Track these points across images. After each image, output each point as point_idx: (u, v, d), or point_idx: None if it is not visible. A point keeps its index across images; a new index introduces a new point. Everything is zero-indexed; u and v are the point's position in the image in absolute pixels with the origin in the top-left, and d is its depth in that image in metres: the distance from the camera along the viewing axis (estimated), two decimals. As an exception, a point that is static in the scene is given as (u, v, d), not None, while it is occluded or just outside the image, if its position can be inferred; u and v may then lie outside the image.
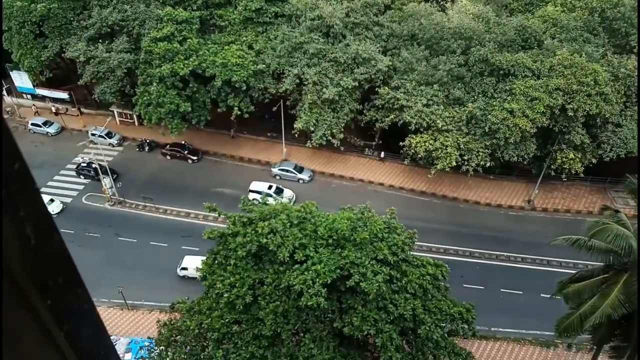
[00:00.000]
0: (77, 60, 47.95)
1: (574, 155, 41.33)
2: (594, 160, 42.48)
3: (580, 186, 47.50)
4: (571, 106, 39.82)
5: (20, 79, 54.85)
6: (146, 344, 27.20)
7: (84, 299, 1.42)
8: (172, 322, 24.14)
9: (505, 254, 41.00)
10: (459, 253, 40.94)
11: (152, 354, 24.12)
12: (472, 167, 41.47)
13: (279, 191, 44.01)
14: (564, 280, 24.42)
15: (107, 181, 43.74)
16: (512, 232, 42.72)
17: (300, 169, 47.84)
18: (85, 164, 47.54)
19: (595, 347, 25.43)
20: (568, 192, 47.19)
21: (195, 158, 49.56)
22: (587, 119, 41.04)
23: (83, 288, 1.43)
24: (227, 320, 22.12)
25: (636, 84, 42.04)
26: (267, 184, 44.83)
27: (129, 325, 34.86)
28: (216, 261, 23.73)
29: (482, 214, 44.53)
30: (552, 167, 42.40)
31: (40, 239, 1.21)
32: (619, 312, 20.43)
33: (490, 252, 41.08)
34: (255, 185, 44.72)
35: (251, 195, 40.68)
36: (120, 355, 29.66)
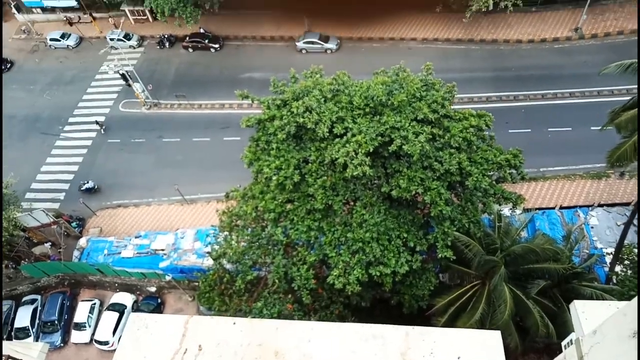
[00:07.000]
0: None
1: (628, -33, 36.50)
2: (652, -31, 37.47)
3: (636, 1, 42.64)
4: None
5: (25, -7, 52.83)
6: (211, 231, 29.41)
7: None
8: (230, 210, 25.61)
9: (552, 91, 39.06)
10: (502, 99, 39.40)
11: (219, 240, 26.11)
12: (511, 1, 37.80)
13: None
14: (615, 108, 23.16)
15: (137, 86, 43.76)
16: (559, 67, 40.10)
17: (325, 39, 45.50)
18: None
19: (649, 172, 25.00)
20: (621, 11, 42.67)
21: (217, 46, 48.00)
22: None
23: None
24: (280, 200, 23.15)
25: None
26: None
27: (191, 218, 37.45)
28: (259, 147, 24.10)
29: (525, 53, 41.67)
30: (603, -15, 37.89)
31: None
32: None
33: (535, 92, 39.24)
34: None
35: None
36: (190, 245, 32.53)
